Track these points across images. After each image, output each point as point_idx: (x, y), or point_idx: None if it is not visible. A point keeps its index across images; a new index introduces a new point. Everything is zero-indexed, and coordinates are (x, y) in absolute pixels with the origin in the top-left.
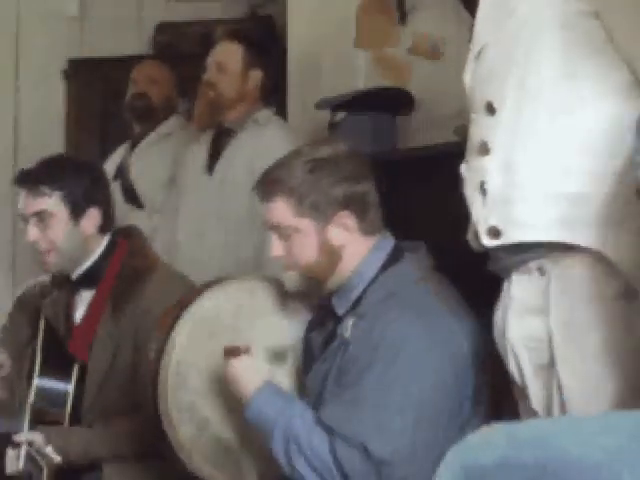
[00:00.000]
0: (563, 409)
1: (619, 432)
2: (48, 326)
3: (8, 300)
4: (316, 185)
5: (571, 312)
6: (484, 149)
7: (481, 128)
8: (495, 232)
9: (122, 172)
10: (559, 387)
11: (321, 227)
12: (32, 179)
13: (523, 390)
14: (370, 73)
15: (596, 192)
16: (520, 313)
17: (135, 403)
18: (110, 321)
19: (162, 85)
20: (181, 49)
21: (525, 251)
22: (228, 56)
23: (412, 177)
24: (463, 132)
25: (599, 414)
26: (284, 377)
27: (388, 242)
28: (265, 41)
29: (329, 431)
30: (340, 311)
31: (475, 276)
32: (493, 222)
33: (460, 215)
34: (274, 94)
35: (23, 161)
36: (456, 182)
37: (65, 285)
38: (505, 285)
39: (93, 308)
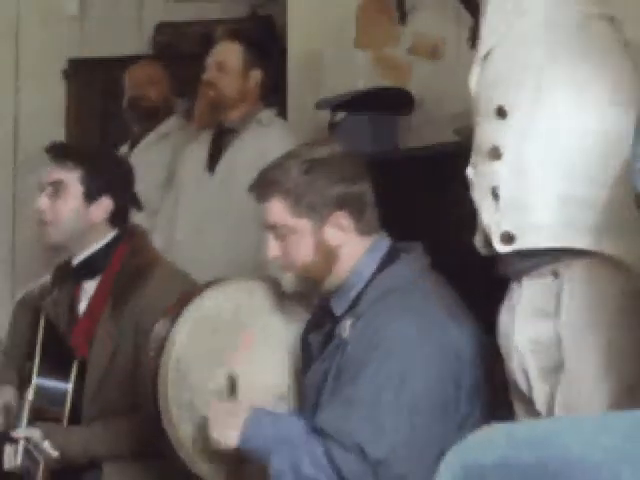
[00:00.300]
0: (569, 411)
1: (619, 432)
2: (48, 325)
3: (8, 301)
4: (312, 185)
5: (581, 315)
6: (495, 153)
7: (491, 132)
8: (509, 237)
9: None
10: (568, 389)
11: (317, 227)
12: (61, 151)
13: (526, 392)
14: (370, 73)
15: (608, 197)
16: (529, 316)
17: (135, 401)
18: (111, 318)
19: (160, 85)
20: (181, 49)
21: (538, 255)
22: (228, 56)
23: (412, 177)
24: (463, 132)
25: (599, 414)
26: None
27: (384, 242)
28: (265, 41)
29: (324, 436)
30: (338, 311)
31: (474, 276)
32: (507, 227)
33: (460, 215)
34: (274, 94)
35: (23, 161)
36: (456, 182)
37: (67, 279)
38: (514, 288)
39: (94, 303)
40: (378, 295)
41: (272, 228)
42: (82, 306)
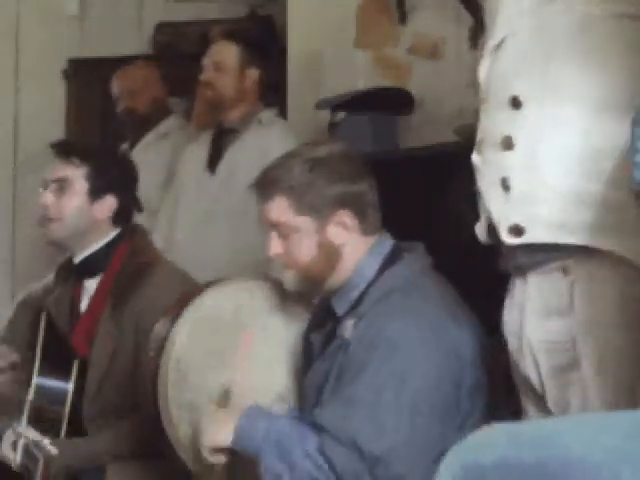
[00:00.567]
0: (585, 409)
1: (619, 432)
2: (49, 324)
3: (8, 301)
4: (314, 184)
5: (596, 313)
6: (508, 144)
7: (503, 122)
8: (518, 230)
9: None
10: (583, 387)
11: (320, 226)
12: (67, 148)
13: (540, 391)
14: (370, 73)
15: (621, 196)
16: (542, 314)
17: (135, 401)
18: (111, 317)
19: (151, 87)
20: (181, 49)
21: (546, 251)
22: (224, 55)
23: (412, 177)
24: (463, 132)
25: (600, 413)
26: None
27: (387, 242)
28: (261, 40)
29: (320, 430)
30: (340, 311)
31: (475, 275)
32: (516, 220)
33: (460, 215)
34: (274, 94)
35: (23, 161)
36: (456, 182)
37: (69, 277)
38: (518, 284)
39: (95, 302)
40: (380, 295)
41: (274, 226)
42: (83, 305)
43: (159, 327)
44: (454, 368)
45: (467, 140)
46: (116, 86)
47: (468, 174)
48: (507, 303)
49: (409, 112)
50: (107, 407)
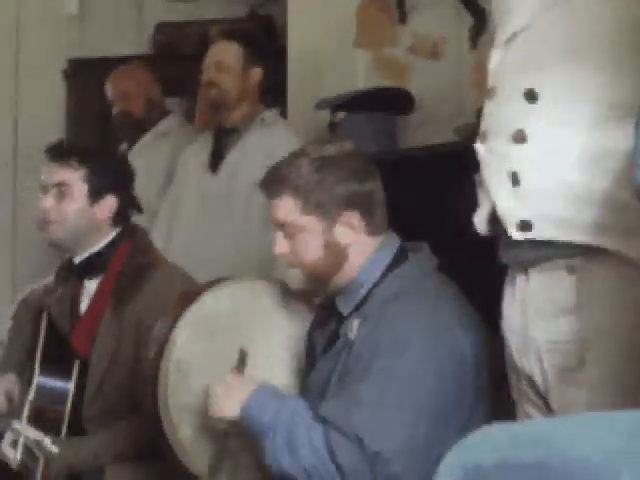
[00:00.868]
0: (590, 409)
1: (620, 432)
2: (50, 324)
3: (9, 302)
4: (322, 184)
5: (604, 312)
6: (520, 137)
7: (516, 115)
8: (526, 225)
9: None
10: (588, 387)
11: (327, 226)
12: (63, 151)
13: (543, 390)
14: (370, 73)
15: (631, 198)
16: (546, 313)
17: (135, 401)
18: (112, 317)
19: (137, 94)
20: (181, 49)
21: (551, 247)
22: (227, 55)
23: (412, 177)
24: (463, 132)
25: (600, 413)
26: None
27: (393, 242)
28: (262, 39)
29: (325, 423)
30: (345, 311)
31: (476, 275)
32: (526, 216)
33: (460, 215)
34: (273, 94)
35: (23, 161)
36: (456, 182)
37: (70, 278)
38: (519, 280)
39: (96, 302)
40: (387, 297)
41: (281, 225)
42: (83, 305)
43: (160, 327)
44: (458, 369)
45: (467, 140)
46: (109, 89)
47: (468, 174)
48: (507, 300)
49: (409, 112)
50: (107, 407)
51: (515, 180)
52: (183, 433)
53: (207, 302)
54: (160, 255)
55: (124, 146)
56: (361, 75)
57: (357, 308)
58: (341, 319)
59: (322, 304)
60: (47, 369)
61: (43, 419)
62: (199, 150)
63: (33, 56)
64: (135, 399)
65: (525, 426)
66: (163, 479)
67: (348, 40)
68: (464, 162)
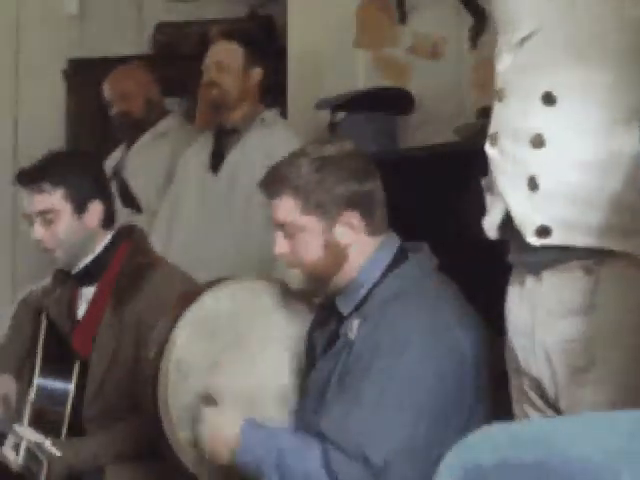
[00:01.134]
0: (599, 409)
1: (620, 432)
2: (50, 324)
3: (9, 303)
4: (322, 184)
5: (615, 316)
6: (538, 141)
7: (533, 118)
8: (545, 231)
9: (118, 173)
10: (598, 388)
11: (327, 226)
12: (32, 177)
13: (550, 392)
14: (370, 73)
15: None
16: (557, 313)
17: (135, 402)
18: (112, 317)
19: (136, 94)
20: (181, 49)
21: (567, 250)
22: (228, 55)
23: (412, 177)
24: (463, 132)
25: (600, 414)
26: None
27: (393, 242)
28: (262, 39)
29: (324, 444)
30: (345, 311)
31: (476, 275)
32: (544, 221)
33: (460, 215)
34: (273, 94)
35: (23, 161)
36: (456, 182)
37: (67, 281)
38: (529, 282)
39: (95, 304)
40: (387, 297)
41: (281, 225)
42: (81, 310)
43: (160, 327)
44: (458, 369)
45: (467, 140)
46: (107, 90)
47: (468, 175)
48: (513, 301)
49: (409, 112)
50: (107, 407)
51: (533, 184)
52: (183, 433)
53: (207, 302)
54: (159, 256)
55: (119, 151)
56: (361, 75)
57: (357, 308)
58: (341, 319)
59: (322, 304)
60: (47, 370)
61: (43, 420)
62: (199, 150)
63: (33, 56)
64: (135, 399)
65: (525, 426)
66: (163, 479)
67: (348, 40)
68: (464, 162)
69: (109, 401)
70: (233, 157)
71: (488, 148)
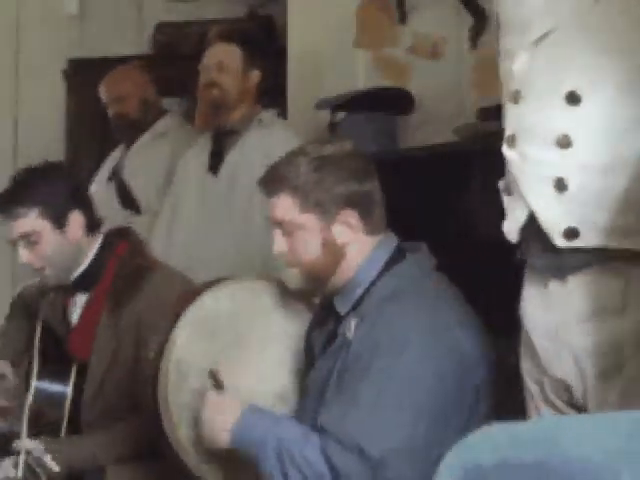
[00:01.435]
0: (627, 408)
1: (620, 432)
2: (46, 327)
3: (8, 302)
4: (321, 183)
5: None
6: (565, 142)
7: (558, 118)
8: (573, 233)
9: (117, 174)
10: (624, 392)
11: (325, 225)
12: (4, 205)
13: (579, 395)
14: (370, 73)
15: None
16: (586, 317)
17: (134, 404)
18: (111, 319)
19: (132, 96)
20: (180, 49)
21: (596, 252)
22: (227, 56)
23: (412, 177)
24: (463, 132)
25: (601, 414)
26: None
27: (391, 242)
28: (261, 39)
29: (323, 435)
30: (342, 310)
31: (476, 275)
32: (573, 223)
33: (460, 215)
34: (274, 94)
35: (23, 161)
36: (455, 182)
37: (61, 287)
38: (553, 286)
39: (90, 309)
40: (384, 295)
41: (279, 224)
42: (74, 316)
43: (160, 327)
44: (458, 369)
45: (467, 140)
46: (103, 92)
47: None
48: (533, 304)
49: (409, 112)
50: (106, 410)
51: (561, 186)
52: (183, 432)
53: (207, 302)
54: (155, 257)
55: (118, 151)
56: (361, 75)
57: (354, 307)
58: (339, 319)
59: (321, 304)
60: (45, 373)
61: (42, 423)
62: (199, 151)
63: (33, 56)
64: (135, 399)
65: (525, 426)
66: (163, 478)
67: (348, 40)
68: (464, 162)
69: (109, 401)
70: (232, 158)
71: (506, 150)
